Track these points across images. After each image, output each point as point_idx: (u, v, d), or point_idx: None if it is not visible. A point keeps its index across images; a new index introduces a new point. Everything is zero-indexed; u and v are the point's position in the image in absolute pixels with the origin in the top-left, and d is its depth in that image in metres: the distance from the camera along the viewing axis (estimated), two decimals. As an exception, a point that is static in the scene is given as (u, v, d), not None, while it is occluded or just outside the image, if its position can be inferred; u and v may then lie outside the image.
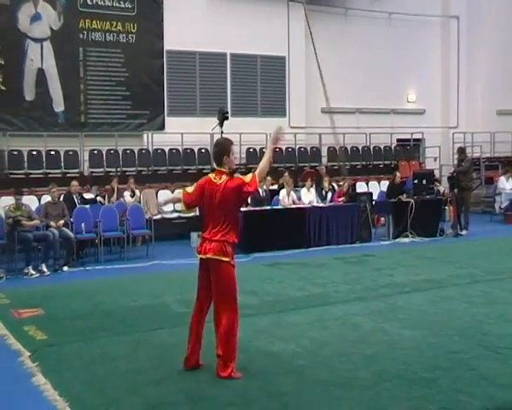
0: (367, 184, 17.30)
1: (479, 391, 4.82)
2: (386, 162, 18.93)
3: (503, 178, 17.43)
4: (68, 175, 14.23)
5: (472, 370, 5.29)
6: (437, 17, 20.81)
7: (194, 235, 13.39)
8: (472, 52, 20.86)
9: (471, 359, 5.58)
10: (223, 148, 5.41)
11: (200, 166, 16.22)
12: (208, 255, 5.19)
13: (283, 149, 17.50)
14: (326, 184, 14.36)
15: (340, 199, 14.05)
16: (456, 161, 15.54)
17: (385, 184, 15.91)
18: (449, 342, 6.08)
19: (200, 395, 4.86)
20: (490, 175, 19.39)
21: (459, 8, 20.81)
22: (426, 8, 20.06)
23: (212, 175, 5.42)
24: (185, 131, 15.93)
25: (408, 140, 20.00)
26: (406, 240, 13.43)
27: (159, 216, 13.93)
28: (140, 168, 15.44)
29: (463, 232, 14.30)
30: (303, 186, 14.32)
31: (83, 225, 11.47)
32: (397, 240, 13.49)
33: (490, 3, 20.73)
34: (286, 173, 14.78)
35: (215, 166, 5.49)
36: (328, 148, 18.29)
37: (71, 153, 14.87)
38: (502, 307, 7.48)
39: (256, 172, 5.31)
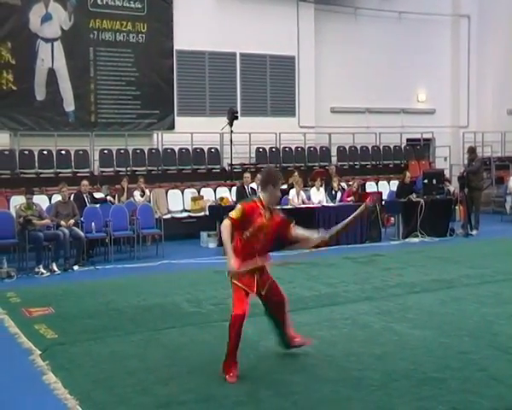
0: (377, 184, 17.24)
1: (488, 392, 4.80)
2: (396, 162, 18.89)
3: (513, 178, 17.34)
4: (78, 175, 14.30)
5: (482, 370, 5.27)
6: (447, 16, 20.72)
7: (203, 234, 13.42)
8: (482, 51, 20.76)
9: (481, 359, 5.56)
10: (272, 177, 5.36)
11: (210, 166, 16.27)
12: None
13: (293, 149, 17.51)
14: (335, 184, 14.33)
15: (349, 199, 14.02)
16: (466, 161, 15.47)
17: (395, 184, 15.84)
18: (459, 343, 6.06)
19: (210, 395, 4.87)
20: (500, 175, 19.29)
21: (470, 7, 20.72)
22: (436, 8, 19.98)
23: (257, 202, 5.35)
24: (195, 130, 15.96)
25: (418, 140, 19.94)
26: (416, 240, 13.40)
27: (168, 216, 13.99)
28: (150, 168, 15.48)
29: (474, 232, 14.24)
30: (312, 186, 14.29)
31: (93, 224, 11.51)
32: (406, 240, 13.45)
33: (501, 3, 20.62)
34: (295, 173, 14.77)
35: (259, 190, 5.50)
36: (338, 147, 18.27)
37: (81, 152, 14.94)
38: (512, 307, 7.45)
39: (296, 229, 5.48)
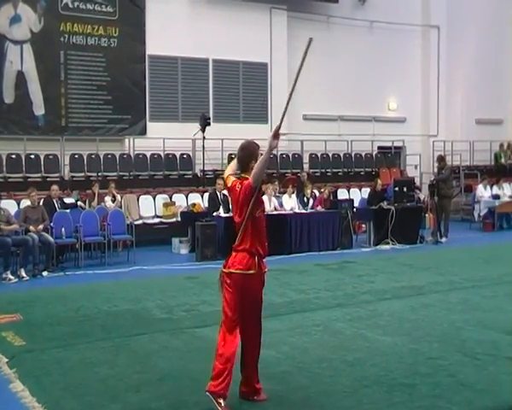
0: (348, 191, 17.37)
1: (458, 397, 4.87)
2: (368, 170, 19.05)
3: (481, 186, 17.63)
4: (48, 179, 14.10)
5: (451, 376, 5.34)
6: (418, 26, 21.03)
7: (175, 241, 13.34)
8: (452, 61, 21.12)
9: (450, 365, 5.63)
10: (250, 152, 4.79)
11: (182, 172, 16.21)
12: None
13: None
14: (308, 191, 14.38)
15: (319, 208, 14.03)
16: (436, 169, 15.69)
17: (366, 192, 15.99)
18: (428, 349, 6.12)
19: (181, 401, 4.84)
20: (469, 183, 19.60)
21: (439, 18, 21.08)
22: (407, 18, 20.27)
23: (235, 181, 4.80)
24: (167, 136, 15.87)
25: (389, 148, 20.16)
26: (387, 247, 13.52)
27: (140, 221, 13.89)
28: (121, 173, 15.35)
29: (443, 240, 14.43)
30: (284, 193, 14.32)
31: (63, 229, 11.37)
32: (377, 247, 13.56)
33: (469, 14, 20.98)
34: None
35: (239, 172, 4.85)
36: (310, 155, 18.37)
37: (51, 157, 14.74)
38: (480, 313, 7.56)
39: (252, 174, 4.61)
